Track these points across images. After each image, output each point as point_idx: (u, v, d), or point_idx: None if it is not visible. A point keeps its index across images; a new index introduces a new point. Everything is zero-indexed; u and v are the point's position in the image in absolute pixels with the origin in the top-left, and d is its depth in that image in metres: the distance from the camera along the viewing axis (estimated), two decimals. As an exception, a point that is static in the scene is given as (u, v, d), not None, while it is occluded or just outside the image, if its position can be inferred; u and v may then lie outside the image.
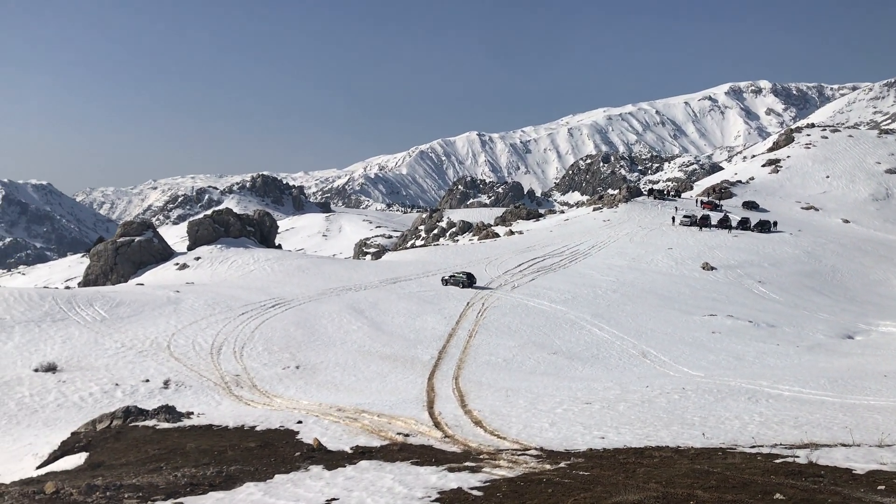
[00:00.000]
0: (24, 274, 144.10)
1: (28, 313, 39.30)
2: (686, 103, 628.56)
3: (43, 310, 40.26)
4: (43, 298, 42.41)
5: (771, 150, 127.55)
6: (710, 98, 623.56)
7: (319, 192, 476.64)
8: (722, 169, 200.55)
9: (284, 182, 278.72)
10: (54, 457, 18.98)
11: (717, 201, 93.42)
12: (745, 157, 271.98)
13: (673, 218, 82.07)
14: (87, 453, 18.22)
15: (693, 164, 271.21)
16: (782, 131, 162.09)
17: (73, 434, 20.44)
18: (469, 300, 46.87)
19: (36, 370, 30.64)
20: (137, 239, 69.37)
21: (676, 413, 19.54)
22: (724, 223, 78.78)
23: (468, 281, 53.05)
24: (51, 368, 30.80)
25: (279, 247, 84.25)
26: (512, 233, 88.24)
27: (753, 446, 14.45)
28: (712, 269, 61.34)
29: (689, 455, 13.41)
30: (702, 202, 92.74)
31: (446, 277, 54.70)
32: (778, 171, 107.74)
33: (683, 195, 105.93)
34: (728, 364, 32.78)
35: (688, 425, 17.86)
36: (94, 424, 20.61)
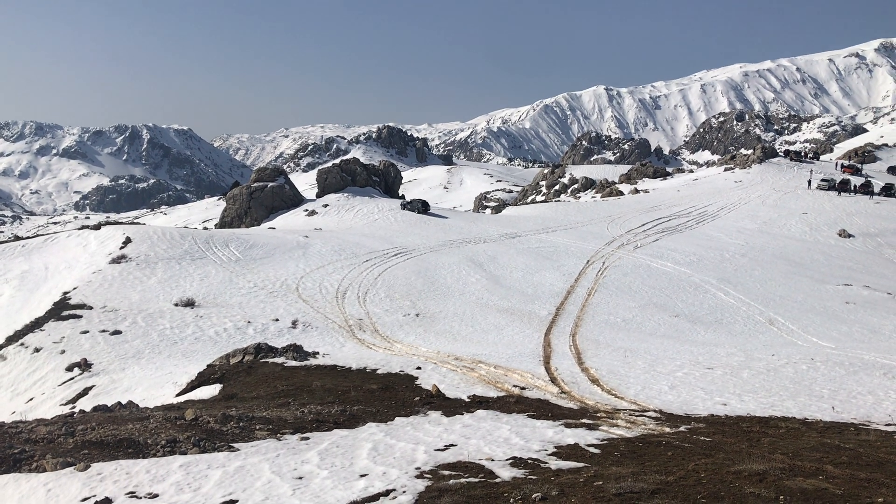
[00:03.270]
0: (165, 214, 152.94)
1: (170, 251, 41.80)
2: (830, 60, 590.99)
3: (183, 248, 42.70)
4: (183, 238, 44.97)
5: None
6: (857, 55, 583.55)
7: (442, 145, 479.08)
8: (866, 131, 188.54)
9: (409, 134, 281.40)
10: (191, 386, 20.30)
11: (858, 165, 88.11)
12: (893, 119, 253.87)
13: (809, 181, 77.96)
14: (222, 385, 19.36)
15: (834, 125, 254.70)
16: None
17: (208, 366, 21.76)
18: (589, 258, 46.35)
19: (176, 304, 32.67)
20: (270, 185, 72.23)
21: (804, 384, 18.81)
22: (866, 188, 74.10)
23: (423, 208, 64.43)
24: (189, 304, 32.76)
25: (402, 197, 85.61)
26: (637, 191, 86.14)
27: (889, 424, 13.77)
28: (850, 236, 58.07)
29: (817, 428, 12.93)
30: (842, 166, 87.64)
31: (405, 203, 66.04)
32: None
33: (822, 157, 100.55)
34: (862, 337, 31.11)
35: (816, 397, 17.17)
36: (227, 358, 21.84)
